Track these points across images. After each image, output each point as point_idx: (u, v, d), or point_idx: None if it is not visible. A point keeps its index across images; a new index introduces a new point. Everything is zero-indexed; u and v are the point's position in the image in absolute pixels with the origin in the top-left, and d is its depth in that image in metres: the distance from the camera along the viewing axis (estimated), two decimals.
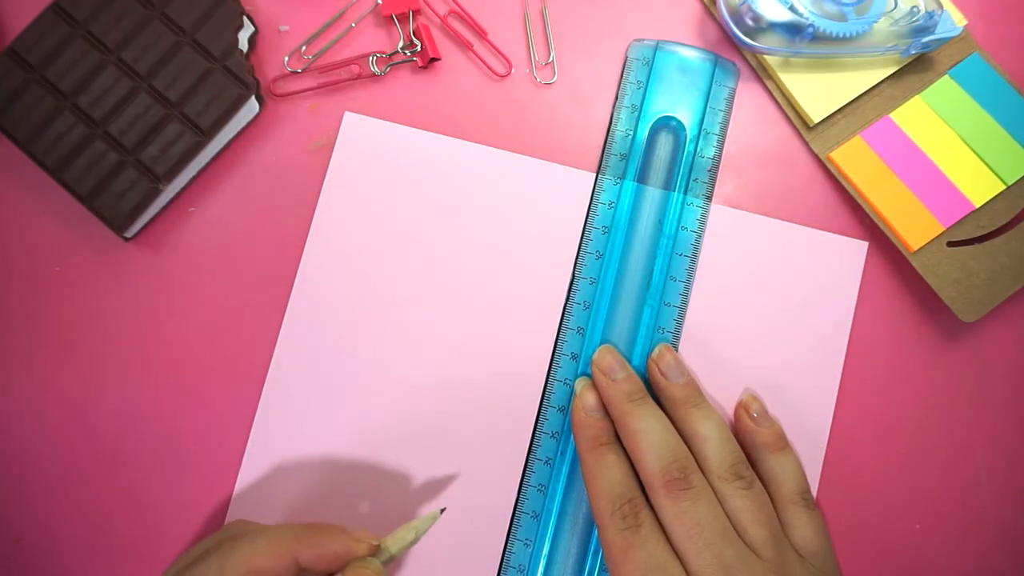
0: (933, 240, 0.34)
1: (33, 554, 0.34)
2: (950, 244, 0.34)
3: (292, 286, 0.35)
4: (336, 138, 0.35)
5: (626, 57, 0.36)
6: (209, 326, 0.35)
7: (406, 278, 0.35)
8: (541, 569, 0.33)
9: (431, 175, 0.35)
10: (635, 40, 0.36)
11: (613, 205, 0.34)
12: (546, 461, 0.33)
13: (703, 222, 0.35)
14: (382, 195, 0.35)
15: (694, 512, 0.28)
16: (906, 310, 0.35)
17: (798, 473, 0.32)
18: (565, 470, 0.33)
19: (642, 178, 0.35)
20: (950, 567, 0.34)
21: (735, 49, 0.36)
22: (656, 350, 0.33)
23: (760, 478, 0.31)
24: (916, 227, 0.33)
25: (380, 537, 0.29)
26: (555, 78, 0.36)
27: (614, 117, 0.35)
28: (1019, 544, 0.34)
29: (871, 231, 0.35)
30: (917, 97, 0.35)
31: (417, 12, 0.36)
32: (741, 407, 0.33)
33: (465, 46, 0.36)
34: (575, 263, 0.34)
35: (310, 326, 0.34)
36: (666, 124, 0.35)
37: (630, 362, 0.33)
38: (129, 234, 0.34)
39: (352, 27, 0.36)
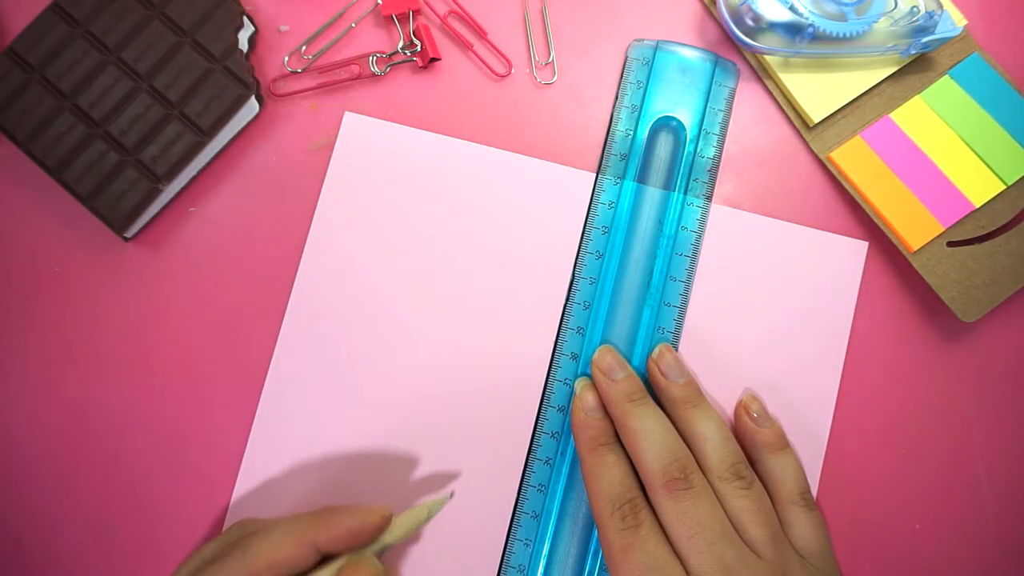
0: (933, 240, 0.34)
1: (33, 554, 0.34)
2: (950, 244, 0.34)
3: (292, 286, 0.35)
4: (336, 138, 0.35)
5: (626, 57, 0.36)
6: (209, 326, 0.35)
7: (406, 278, 0.35)
8: (541, 569, 0.33)
9: (431, 175, 0.35)
10: (635, 40, 0.36)
11: (613, 205, 0.34)
12: (546, 461, 0.33)
13: (703, 222, 0.35)
14: (382, 195, 0.35)
15: (694, 512, 0.28)
16: (906, 310, 0.35)
17: (798, 473, 0.32)
18: (565, 470, 0.33)
19: (642, 178, 0.35)
20: (950, 567, 0.34)
21: (735, 49, 0.36)
22: (656, 350, 0.33)
23: (760, 478, 0.31)
24: (916, 227, 0.34)
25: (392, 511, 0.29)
26: (555, 78, 0.36)
27: (614, 117, 0.35)
28: (1019, 544, 0.34)
29: (871, 231, 0.35)
30: (917, 97, 0.35)
31: (417, 12, 0.36)
32: (741, 407, 0.33)
33: (465, 46, 0.36)
34: (575, 263, 0.34)
35: (310, 326, 0.34)
36: (666, 124, 0.35)
37: (630, 362, 0.33)
38: (129, 234, 0.34)
39: (352, 27, 0.36)
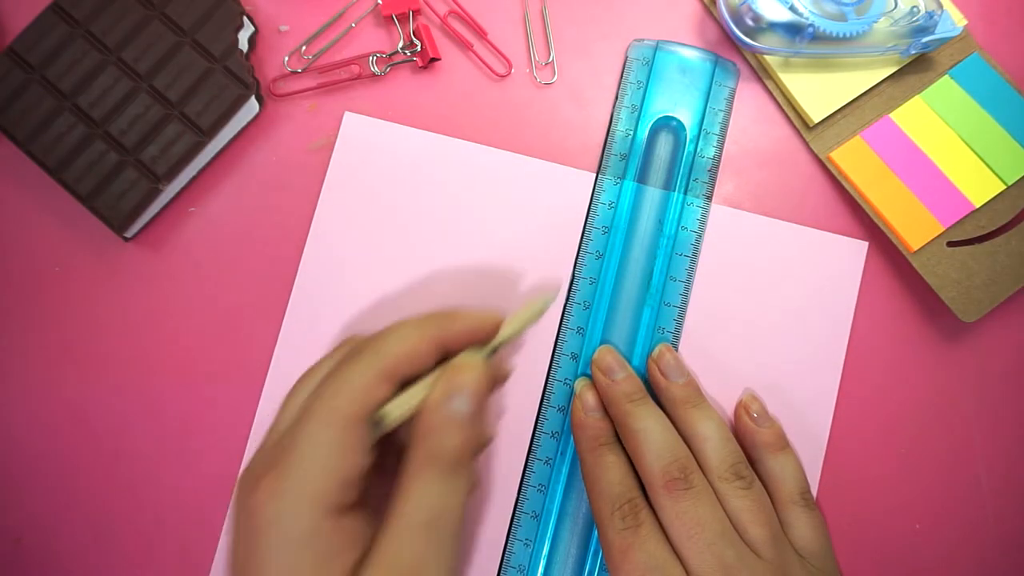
0: (933, 240, 0.34)
1: (33, 554, 0.34)
2: (950, 244, 0.34)
3: (292, 286, 0.35)
4: (336, 138, 0.35)
5: (626, 57, 0.36)
6: (209, 326, 0.35)
7: (406, 277, 0.35)
8: (541, 569, 0.33)
9: (431, 175, 0.35)
10: (635, 40, 0.36)
11: (613, 205, 0.34)
12: (546, 461, 0.33)
13: (703, 222, 0.35)
14: (382, 195, 0.35)
15: (695, 512, 0.28)
16: (906, 310, 0.35)
17: (798, 473, 0.32)
18: (565, 470, 0.33)
19: (642, 178, 0.35)
20: (950, 567, 0.34)
21: (735, 49, 0.36)
22: (656, 350, 0.33)
23: (760, 478, 0.31)
24: (916, 227, 0.34)
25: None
26: (555, 78, 0.36)
27: (614, 117, 0.35)
28: (1019, 544, 0.34)
29: (871, 231, 0.35)
30: (917, 97, 0.35)
31: (417, 12, 0.36)
32: (741, 407, 0.33)
33: (465, 46, 0.36)
34: (575, 263, 0.34)
35: (310, 326, 0.34)
36: (666, 124, 0.35)
37: (630, 362, 0.33)
38: (129, 234, 0.34)
39: (352, 27, 0.36)
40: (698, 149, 0.35)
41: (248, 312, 0.35)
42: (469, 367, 0.26)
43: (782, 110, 0.36)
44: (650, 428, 0.30)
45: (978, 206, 0.34)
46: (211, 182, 0.36)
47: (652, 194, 0.35)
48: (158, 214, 0.35)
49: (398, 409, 0.25)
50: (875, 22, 0.34)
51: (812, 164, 0.35)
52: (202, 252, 0.35)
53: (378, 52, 0.36)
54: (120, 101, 0.33)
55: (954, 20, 0.34)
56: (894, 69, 0.35)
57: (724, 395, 0.34)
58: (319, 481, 0.23)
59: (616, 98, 0.36)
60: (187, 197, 0.36)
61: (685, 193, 0.34)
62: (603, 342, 0.34)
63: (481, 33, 0.36)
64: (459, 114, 0.36)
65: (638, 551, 0.28)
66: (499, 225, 0.35)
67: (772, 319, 0.34)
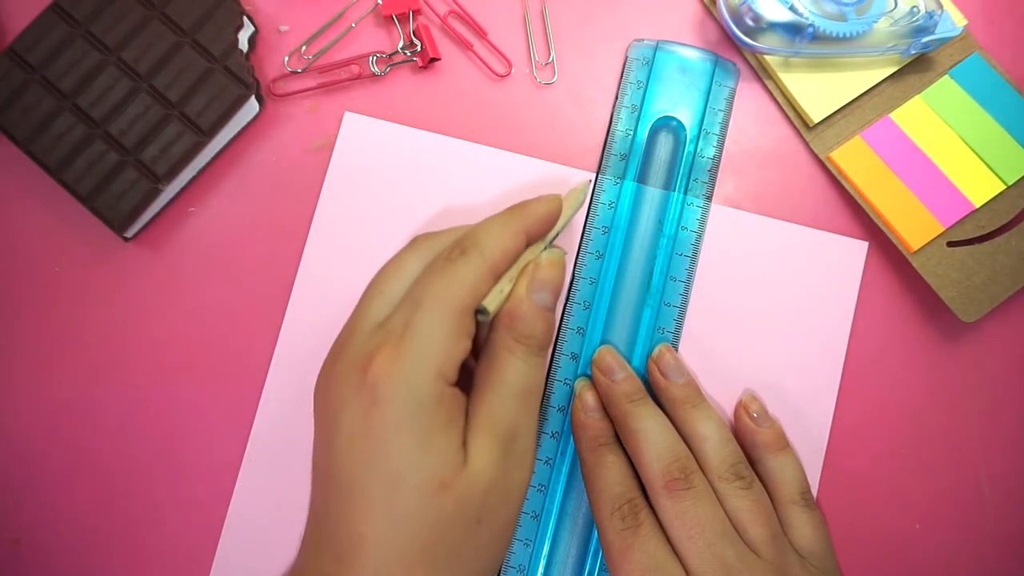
0: (933, 240, 0.34)
1: (33, 554, 0.34)
2: (950, 244, 0.34)
3: (292, 286, 0.35)
4: (336, 138, 0.35)
5: (626, 57, 0.36)
6: (209, 326, 0.35)
7: None
8: (541, 569, 0.33)
9: (431, 175, 0.35)
10: (635, 40, 0.36)
11: (613, 205, 0.34)
12: (546, 461, 0.33)
13: (703, 222, 0.35)
14: (382, 195, 0.35)
15: (695, 512, 0.28)
16: (906, 310, 0.35)
17: (798, 473, 0.32)
18: (565, 470, 0.33)
19: (642, 178, 0.35)
20: (950, 567, 0.34)
21: (735, 49, 0.36)
22: (656, 350, 0.33)
23: (760, 478, 0.31)
24: (916, 227, 0.34)
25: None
26: (555, 78, 0.36)
27: (614, 117, 0.35)
28: (1019, 544, 0.34)
29: (871, 231, 0.35)
30: (917, 97, 0.35)
31: (417, 12, 0.36)
32: (741, 407, 0.33)
33: (465, 46, 0.36)
34: (575, 263, 0.34)
35: (310, 326, 0.34)
36: (666, 124, 0.35)
37: (630, 362, 0.33)
38: (129, 234, 0.34)
39: (352, 27, 0.36)
40: (698, 149, 0.35)
41: (248, 312, 0.35)
42: (549, 264, 0.28)
43: (782, 110, 0.36)
44: (650, 428, 0.30)
45: (978, 206, 0.34)
46: (211, 182, 0.36)
47: (652, 194, 0.35)
48: (158, 214, 0.35)
49: (495, 302, 0.27)
50: (875, 22, 0.34)
51: (812, 164, 0.35)
52: (202, 252, 0.35)
53: (378, 52, 0.36)
54: (120, 101, 0.33)
55: (954, 20, 0.34)
56: (894, 69, 0.35)
57: (724, 395, 0.34)
58: (440, 355, 0.25)
59: (616, 98, 0.36)
60: (187, 197, 0.36)
61: (685, 193, 0.34)
62: (603, 342, 0.34)
63: (481, 33, 0.36)
64: (459, 114, 0.36)
65: (638, 551, 0.28)
66: None
67: (772, 319, 0.34)
